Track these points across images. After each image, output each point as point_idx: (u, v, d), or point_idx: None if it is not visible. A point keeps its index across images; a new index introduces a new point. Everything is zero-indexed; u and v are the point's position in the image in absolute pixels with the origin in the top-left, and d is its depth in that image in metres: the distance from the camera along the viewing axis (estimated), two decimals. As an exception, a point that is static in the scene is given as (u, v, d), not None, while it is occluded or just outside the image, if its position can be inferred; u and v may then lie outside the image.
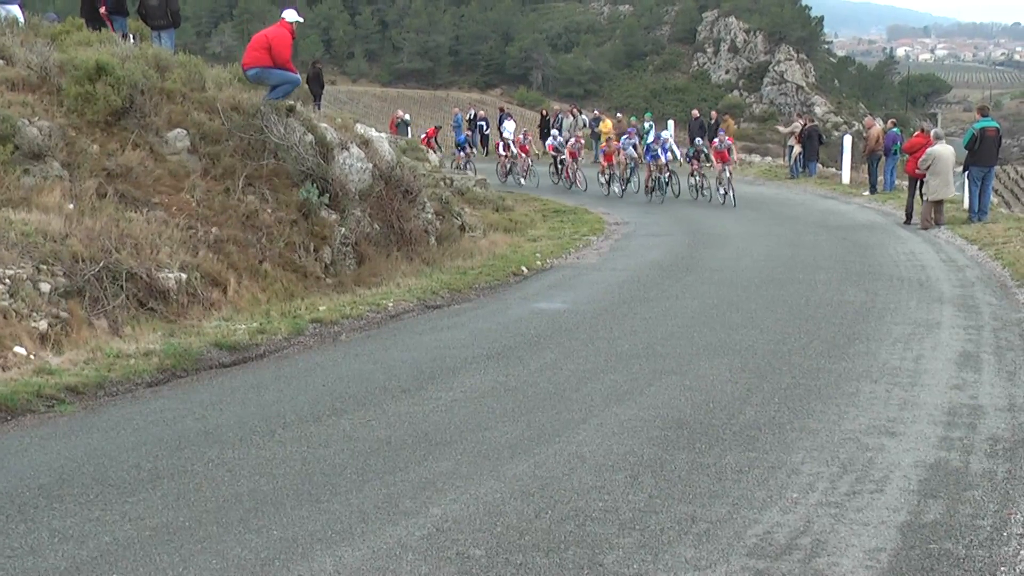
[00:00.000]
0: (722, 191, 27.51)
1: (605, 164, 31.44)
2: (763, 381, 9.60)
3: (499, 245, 19.31)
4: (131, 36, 18.21)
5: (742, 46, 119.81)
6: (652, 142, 30.05)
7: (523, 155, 34.20)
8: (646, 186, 29.42)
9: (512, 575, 5.59)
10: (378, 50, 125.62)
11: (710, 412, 8.57)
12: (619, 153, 30.74)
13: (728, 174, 27.68)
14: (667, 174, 29.03)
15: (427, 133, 40.37)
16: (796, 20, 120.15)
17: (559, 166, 33.62)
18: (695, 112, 42.39)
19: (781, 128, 47.35)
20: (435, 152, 33.35)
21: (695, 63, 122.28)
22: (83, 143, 13.73)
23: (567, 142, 33.86)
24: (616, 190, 30.29)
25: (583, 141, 36.75)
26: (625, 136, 31.47)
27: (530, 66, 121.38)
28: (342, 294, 13.91)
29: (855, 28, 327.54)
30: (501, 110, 53.82)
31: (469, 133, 38.39)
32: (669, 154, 29.09)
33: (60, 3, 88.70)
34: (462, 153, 35.65)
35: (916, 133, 24.66)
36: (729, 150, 29.10)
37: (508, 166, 34.65)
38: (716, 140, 29.74)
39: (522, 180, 33.43)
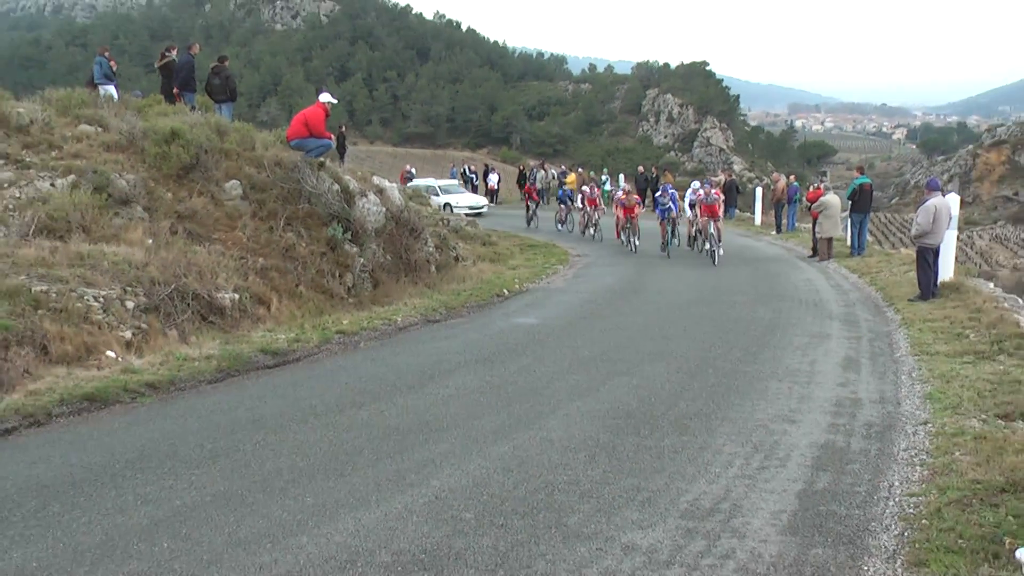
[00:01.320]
0: (709, 247, 22.21)
1: (623, 217, 25.02)
2: (693, 380, 9.64)
3: (485, 272, 19.31)
4: (197, 108, 18.23)
5: (677, 117, 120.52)
6: (659, 195, 25.27)
7: (590, 207, 28.50)
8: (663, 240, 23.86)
9: (495, 534, 5.60)
10: (391, 117, 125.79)
11: (652, 405, 8.60)
12: (626, 205, 24.77)
13: (715, 230, 21.96)
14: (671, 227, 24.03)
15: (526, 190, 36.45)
16: (718, 97, 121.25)
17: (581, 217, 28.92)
18: (640, 168, 42.64)
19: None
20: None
21: (640, 129, 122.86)
22: (160, 192, 13.73)
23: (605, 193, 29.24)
24: (636, 243, 24.19)
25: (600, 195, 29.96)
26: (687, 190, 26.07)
27: (511, 131, 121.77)
28: (361, 311, 13.88)
29: (764, 104, 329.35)
30: (486, 166, 54.10)
31: (531, 188, 36.57)
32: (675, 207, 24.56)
33: (145, 82, 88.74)
34: (562, 206, 31.80)
35: (817, 187, 24.87)
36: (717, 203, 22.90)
37: (586, 219, 28.87)
38: (684, 192, 26.57)
39: (593, 233, 27.90)
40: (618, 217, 25.46)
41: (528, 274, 19.44)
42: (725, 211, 34.73)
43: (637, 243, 24.23)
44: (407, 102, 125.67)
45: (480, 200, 39.86)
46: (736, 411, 8.43)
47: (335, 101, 16.45)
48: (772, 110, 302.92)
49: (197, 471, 6.61)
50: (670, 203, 24.34)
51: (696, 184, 25.90)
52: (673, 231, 24.26)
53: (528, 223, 31.12)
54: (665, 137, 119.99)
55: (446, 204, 36.73)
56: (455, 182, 43.87)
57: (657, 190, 28.51)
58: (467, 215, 35.94)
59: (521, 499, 6.12)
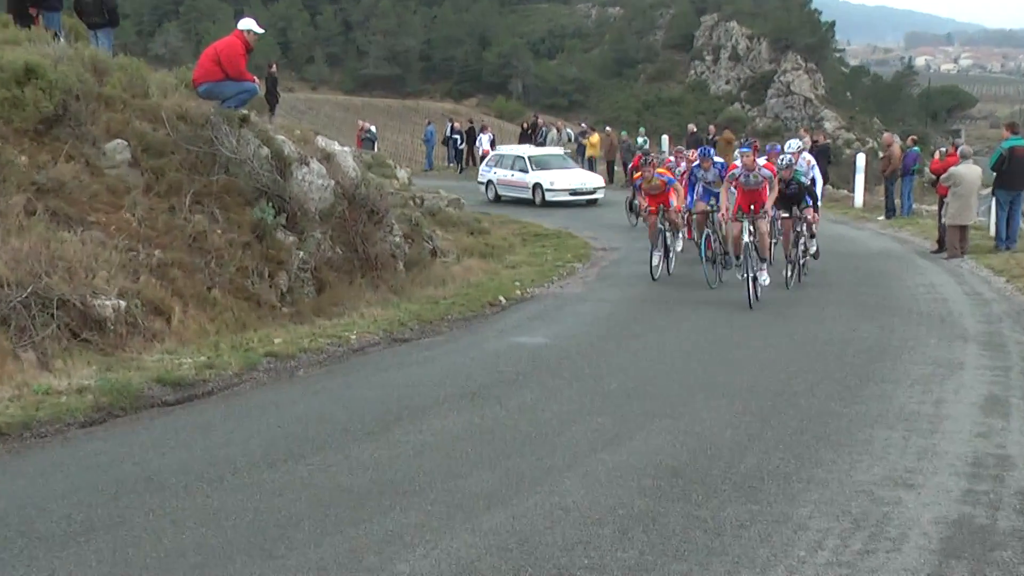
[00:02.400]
0: (744, 273, 16.89)
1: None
2: (766, 426, 9.63)
3: (474, 272, 19.35)
4: (64, 35, 18.16)
5: (744, 54, 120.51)
6: (698, 164, 20.80)
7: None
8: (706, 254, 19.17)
9: (488, 640, 5.59)
10: (341, 54, 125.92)
11: (707, 460, 8.58)
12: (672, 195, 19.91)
13: (757, 239, 17.49)
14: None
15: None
16: (804, 26, 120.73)
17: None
18: (692, 126, 42.81)
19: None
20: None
21: (692, 72, 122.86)
22: (9, 154, 13.69)
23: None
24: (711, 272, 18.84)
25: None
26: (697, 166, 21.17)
27: (509, 74, 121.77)
28: (300, 325, 13.89)
29: (870, 35, 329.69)
30: (470, 122, 54.03)
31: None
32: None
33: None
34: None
35: (949, 153, 24.65)
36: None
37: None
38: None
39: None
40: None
41: (533, 275, 19.46)
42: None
43: (675, 251, 20.42)
44: (364, 32, 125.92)
45: (591, 179, 37.35)
46: (827, 470, 8.40)
47: (261, 31, 16.46)
48: (882, 43, 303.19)
49: (63, 554, 6.59)
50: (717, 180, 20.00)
51: (743, 151, 19.41)
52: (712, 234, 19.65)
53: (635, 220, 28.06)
54: (727, 83, 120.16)
55: (536, 185, 35.45)
56: (557, 151, 40.54)
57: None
58: (569, 200, 34.88)
59: (524, 592, 6.11)
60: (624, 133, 46.63)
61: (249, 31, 16.03)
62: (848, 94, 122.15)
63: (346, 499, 7.58)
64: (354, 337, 13.36)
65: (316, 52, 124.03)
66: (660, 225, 19.37)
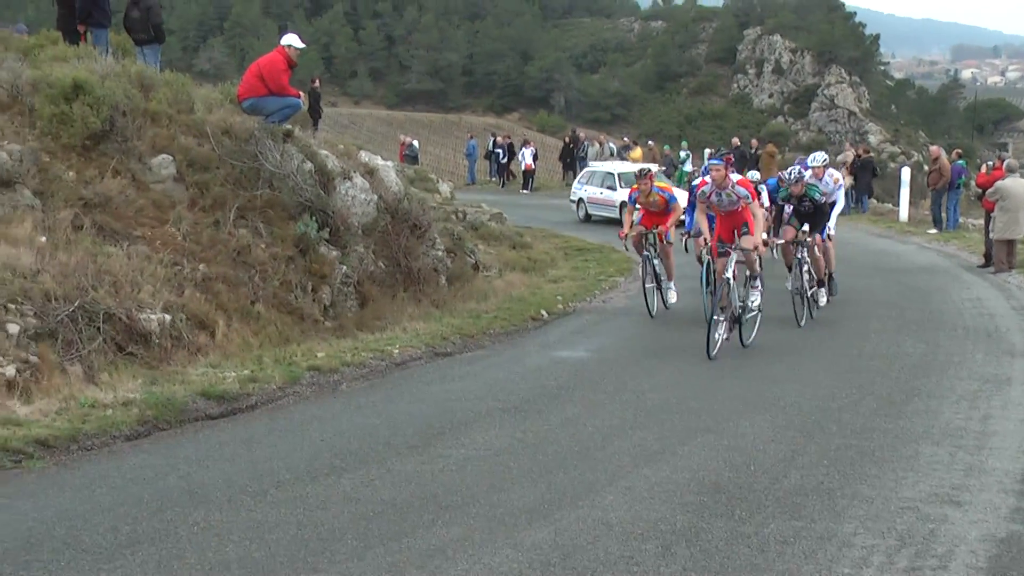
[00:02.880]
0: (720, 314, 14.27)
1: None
2: (809, 441, 9.59)
3: (516, 286, 19.35)
4: (111, 51, 18.32)
5: (788, 67, 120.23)
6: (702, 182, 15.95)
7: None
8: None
9: (530, 655, 5.59)
10: (384, 69, 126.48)
11: (750, 475, 8.56)
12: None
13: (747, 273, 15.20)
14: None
15: None
16: (848, 39, 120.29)
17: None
18: (735, 140, 42.60)
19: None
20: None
21: (735, 86, 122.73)
22: (58, 169, 13.84)
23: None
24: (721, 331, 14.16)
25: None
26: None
27: (551, 88, 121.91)
28: (342, 339, 13.94)
29: (915, 48, 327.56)
30: (507, 136, 53.92)
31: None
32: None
33: (32, 13, 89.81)
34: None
35: (995, 166, 24.54)
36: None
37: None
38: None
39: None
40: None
41: (576, 289, 19.45)
42: (856, 200, 34.61)
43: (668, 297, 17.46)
44: (406, 47, 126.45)
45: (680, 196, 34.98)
46: (872, 487, 8.37)
47: (303, 46, 16.55)
48: (927, 55, 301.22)
49: (108, 566, 6.64)
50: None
51: (712, 163, 15.14)
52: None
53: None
54: (770, 96, 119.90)
55: (624, 203, 33.25)
56: (650, 167, 39.31)
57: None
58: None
59: (567, 607, 6.10)
60: (667, 147, 46.57)
61: (291, 46, 16.13)
62: (893, 107, 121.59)
63: (389, 513, 7.61)
64: (396, 351, 13.40)
65: (359, 67, 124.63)
66: (647, 252, 16.89)
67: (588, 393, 11.59)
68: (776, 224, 17.37)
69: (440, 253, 18.20)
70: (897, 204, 34.88)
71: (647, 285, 17.16)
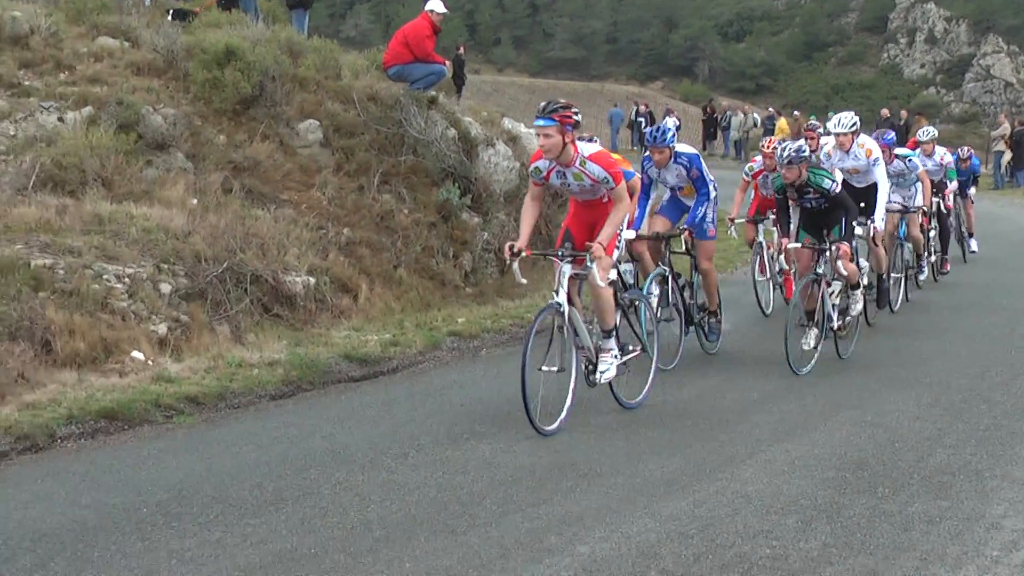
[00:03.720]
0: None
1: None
2: (957, 420, 9.40)
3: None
4: (261, 16, 18.60)
5: (941, 36, 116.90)
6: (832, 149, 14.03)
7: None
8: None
9: (667, 625, 5.59)
10: (527, 36, 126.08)
11: (894, 453, 8.43)
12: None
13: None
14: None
15: None
16: (1008, 6, 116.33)
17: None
18: (884, 111, 41.73)
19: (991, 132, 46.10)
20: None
21: (885, 55, 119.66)
22: (209, 133, 14.17)
23: None
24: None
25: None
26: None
27: (696, 56, 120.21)
28: (483, 305, 14.05)
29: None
30: (646, 105, 53.52)
31: None
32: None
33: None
34: None
35: None
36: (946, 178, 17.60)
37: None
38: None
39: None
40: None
41: (718, 260, 19.22)
42: (1012, 174, 33.59)
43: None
44: (550, 14, 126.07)
45: None
46: (1023, 467, 8.17)
47: (445, 11, 16.56)
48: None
49: (254, 521, 6.82)
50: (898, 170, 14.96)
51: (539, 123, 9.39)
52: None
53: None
54: (922, 66, 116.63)
55: None
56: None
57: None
58: None
59: (704, 579, 6.09)
60: (813, 118, 45.74)
61: (434, 11, 16.22)
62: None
63: (527, 479, 7.66)
64: (536, 318, 13.43)
65: (503, 34, 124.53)
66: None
67: (728, 365, 11.51)
68: (781, 222, 12.55)
69: (581, 221, 18.18)
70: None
71: (758, 278, 14.92)
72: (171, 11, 16.76)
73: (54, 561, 6.13)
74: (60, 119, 13.37)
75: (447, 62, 16.88)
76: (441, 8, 16.34)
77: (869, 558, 6.37)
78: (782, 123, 43.39)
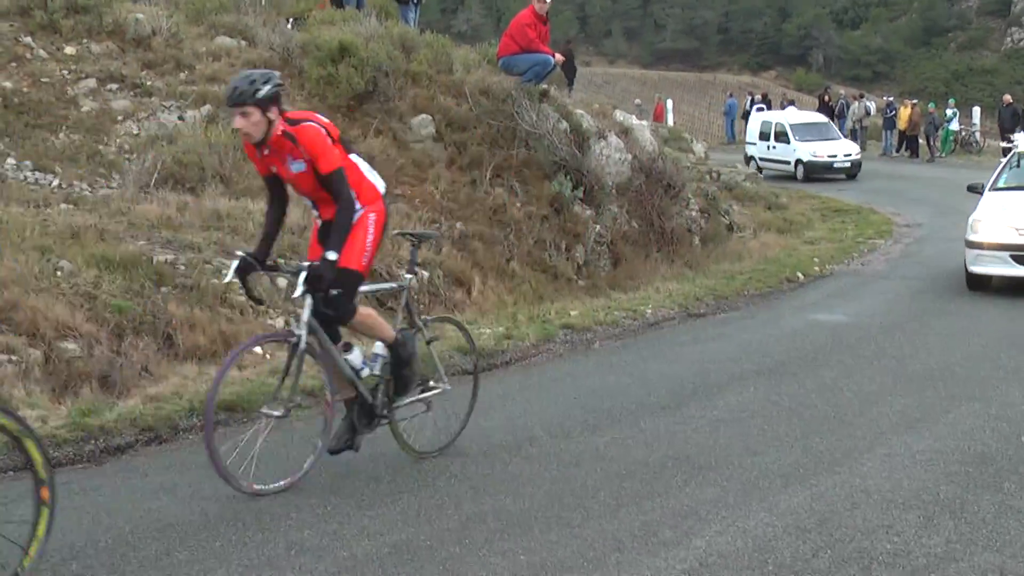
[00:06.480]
0: None
1: None
2: (1085, 413, 9.16)
3: (771, 247, 19.10)
4: (372, 12, 18.75)
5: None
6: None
7: None
8: None
9: (785, 620, 5.54)
10: (638, 28, 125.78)
11: (1020, 447, 8.22)
12: None
13: None
14: None
15: None
16: None
17: None
18: (1007, 97, 40.71)
19: None
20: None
21: (1008, 40, 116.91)
22: (324, 129, 14.34)
23: None
24: None
25: None
26: None
27: (810, 45, 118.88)
28: (595, 298, 14.03)
29: None
30: (762, 96, 52.93)
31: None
32: None
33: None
34: None
35: None
36: None
37: None
38: None
39: None
40: None
41: (833, 251, 19.05)
42: None
43: None
44: (662, 5, 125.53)
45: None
46: None
47: (549, 1, 16.50)
48: None
49: (371, 513, 6.88)
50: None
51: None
52: None
53: None
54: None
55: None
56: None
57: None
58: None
59: (823, 573, 6.01)
60: (932, 105, 44.87)
61: (541, 1, 16.20)
62: None
63: (641, 472, 7.63)
64: (649, 311, 13.40)
65: (614, 26, 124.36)
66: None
67: (845, 358, 11.34)
68: None
69: (694, 213, 18.11)
70: None
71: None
72: (289, 20, 17.00)
73: (178, 551, 6.25)
74: (180, 118, 13.68)
75: (556, 54, 16.82)
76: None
77: (996, 555, 6.23)
78: (903, 112, 42.56)
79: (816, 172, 33.78)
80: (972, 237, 14.86)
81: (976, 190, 16.26)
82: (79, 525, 6.54)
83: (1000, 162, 18.73)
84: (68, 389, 9.00)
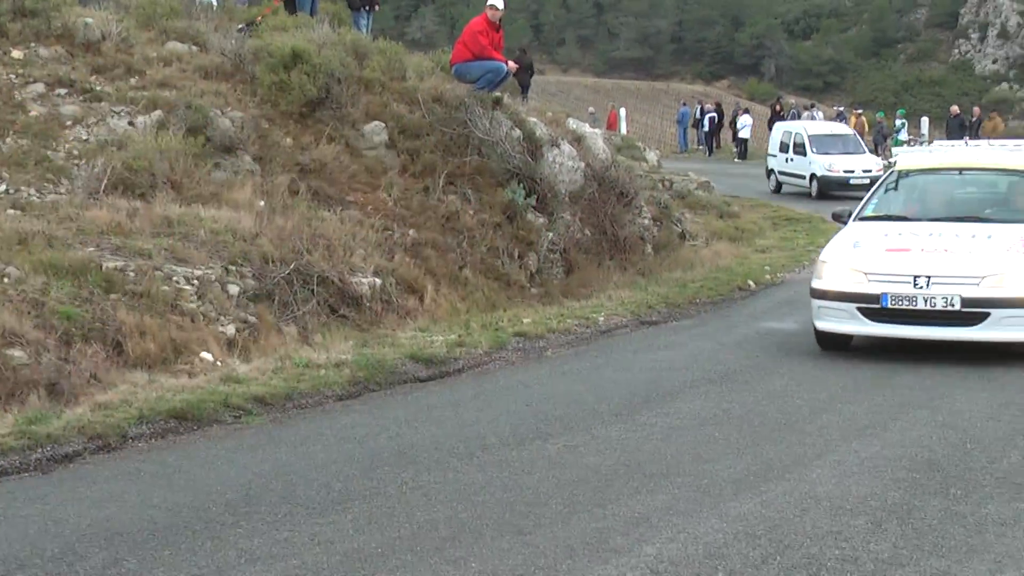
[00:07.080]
0: None
1: None
2: (1032, 420, 9.26)
3: (723, 256, 19.17)
4: (325, 19, 18.65)
5: (1015, 31, 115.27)
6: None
7: None
8: None
9: (735, 626, 5.56)
10: (592, 36, 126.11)
11: (967, 454, 8.30)
12: None
13: None
14: None
15: None
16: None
17: None
18: (954, 108, 41.21)
19: None
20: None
21: (956, 51, 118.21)
22: (276, 135, 14.32)
23: None
24: None
25: None
26: None
27: (762, 55, 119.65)
28: (548, 305, 14.06)
29: None
30: (705, 106, 53.20)
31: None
32: None
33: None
34: None
35: None
36: None
37: None
38: None
39: None
40: None
41: (784, 259, 19.19)
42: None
43: None
44: (615, 14, 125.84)
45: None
46: (1099, 468, 8.03)
47: (501, 6, 16.36)
48: None
49: (321, 520, 6.86)
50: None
51: None
52: None
53: None
54: (994, 62, 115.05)
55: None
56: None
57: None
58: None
59: (773, 580, 6.05)
60: (880, 114, 45.30)
61: (492, 6, 16.15)
62: None
63: (593, 479, 7.64)
64: (602, 319, 13.44)
65: (567, 34, 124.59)
66: None
67: (796, 366, 11.41)
68: None
69: (646, 221, 18.17)
70: None
71: None
72: (240, 27, 16.89)
73: (126, 559, 6.21)
74: (131, 123, 13.60)
75: (509, 61, 16.81)
76: (499, 4, 16.23)
77: (941, 560, 6.29)
78: (852, 122, 42.95)
79: (830, 189, 30.41)
80: (815, 284, 12.01)
81: (841, 219, 13.70)
82: (25, 534, 6.50)
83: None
84: (15, 397, 8.90)
